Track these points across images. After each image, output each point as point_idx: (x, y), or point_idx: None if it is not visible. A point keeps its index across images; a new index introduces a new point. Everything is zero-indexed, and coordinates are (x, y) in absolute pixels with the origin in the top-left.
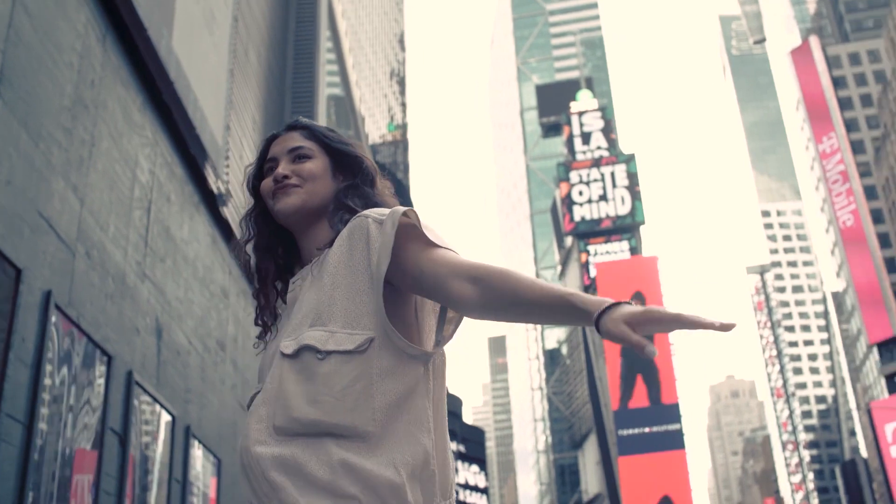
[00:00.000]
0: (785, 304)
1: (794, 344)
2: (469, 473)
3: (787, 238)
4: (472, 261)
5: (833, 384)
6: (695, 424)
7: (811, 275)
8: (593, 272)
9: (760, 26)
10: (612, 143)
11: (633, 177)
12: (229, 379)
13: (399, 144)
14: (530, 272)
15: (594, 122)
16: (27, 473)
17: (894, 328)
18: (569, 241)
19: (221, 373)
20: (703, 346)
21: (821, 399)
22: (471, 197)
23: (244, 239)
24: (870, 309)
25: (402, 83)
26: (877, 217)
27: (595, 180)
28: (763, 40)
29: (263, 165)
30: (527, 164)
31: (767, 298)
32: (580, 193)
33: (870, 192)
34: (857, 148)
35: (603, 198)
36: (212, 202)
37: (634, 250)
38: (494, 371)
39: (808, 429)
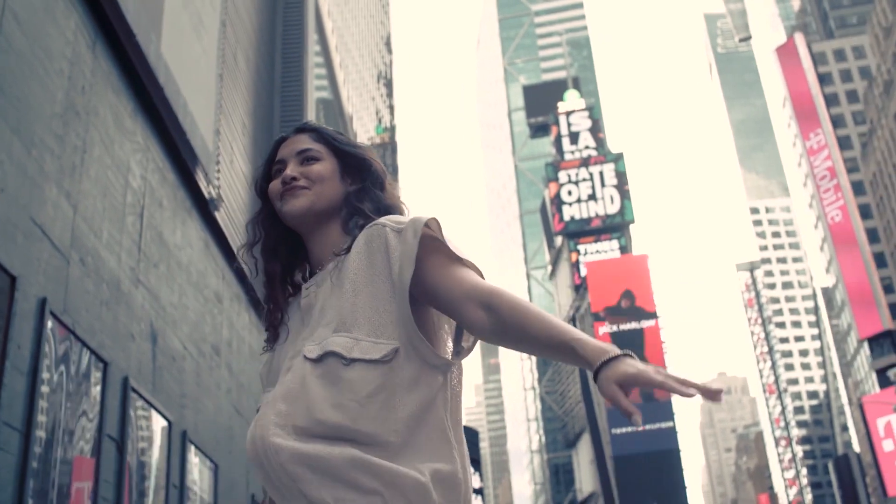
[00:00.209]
0: (775, 300)
1: (784, 340)
2: None
3: (776, 235)
4: (489, 286)
5: (824, 379)
6: (688, 421)
7: (801, 271)
8: (584, 271)
9: (746, 24)
10: (600, 143)
11: (621, 176)
12: (224, 383)
13: (387, 147)
14: (521, 273)
15: (582, 122)
16: (25, 481)
17: (884, 323)
18: (559, 240)
19: (217, 377)
20: (695, 344)
21: (812, 394)
22: (460, 198)
23: (251, 242)
24: (859, 304)
25: (389, 85)
26: (865, 212)
27: (584, 180)
28: (748, 38)
29: (272, 168)
30: (515, 164)
31: (758, 295)
32: (569, 193)
33: (857, 188)
34: (843, 144)
35: (592, 197)
36: (204, 207)
37: (624, 249)
38: (487, 372)
39: (800, 424)
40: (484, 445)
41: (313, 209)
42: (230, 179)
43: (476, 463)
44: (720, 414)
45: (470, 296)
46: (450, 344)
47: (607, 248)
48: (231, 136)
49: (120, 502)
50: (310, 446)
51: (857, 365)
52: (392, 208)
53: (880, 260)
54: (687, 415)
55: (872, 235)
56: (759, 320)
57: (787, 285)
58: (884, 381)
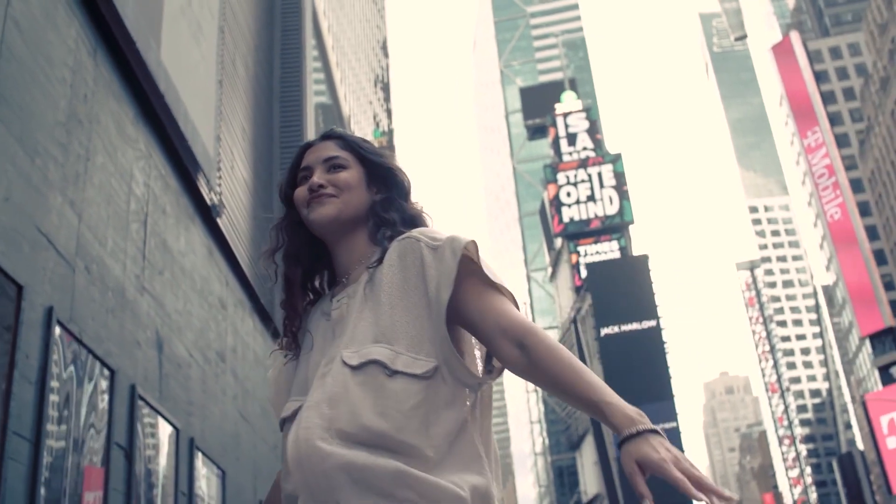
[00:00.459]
0: (776, 299)
1: (786, 339)
2: None
3: (775, 233)
4: (525, 323)
5: (827, 377)
6: (690, 422)
7: (801, 269)
8: (584, 273)
9: (741, 23)
10: (598, 144)
11: (620, 176)
12: (230, 390)
13: (385, 150)
14: (521, 275)
15: (579, 123)
16: (36, 490)
17: (885, 320)
18: (558, 242)
19: (222, 384)
20: (697, 343)
21: (815, 393)
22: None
23: (274, 247)
24: (860, 302)
25: (386, 89)
26: (864, 210)
27: (582, 181)
28: (744, 37)
29: (297, 174)
30: (514, 166)
31: (758, 294)
32: (568, 195)
33: (856, 186)
34: (841, 142)
35: (591, 198)
36: (206, 213)
37: (624, 250)
38: None
39: (803, 423)
40: None
41: (340, 217)
42: (231, 185)
43: None
44: (723, 413)
45: (506, 331)
46: (479, 362)
47: (607, 250)
48: (231, 141)
49: None
50: (355, 453)
51: (860, 362)
52: (417, 219)
53: (880, 257)
54: (690, 415)
55: (872, 233)
56: (761, 319)
57: (787, 284)
58: (886, 379)
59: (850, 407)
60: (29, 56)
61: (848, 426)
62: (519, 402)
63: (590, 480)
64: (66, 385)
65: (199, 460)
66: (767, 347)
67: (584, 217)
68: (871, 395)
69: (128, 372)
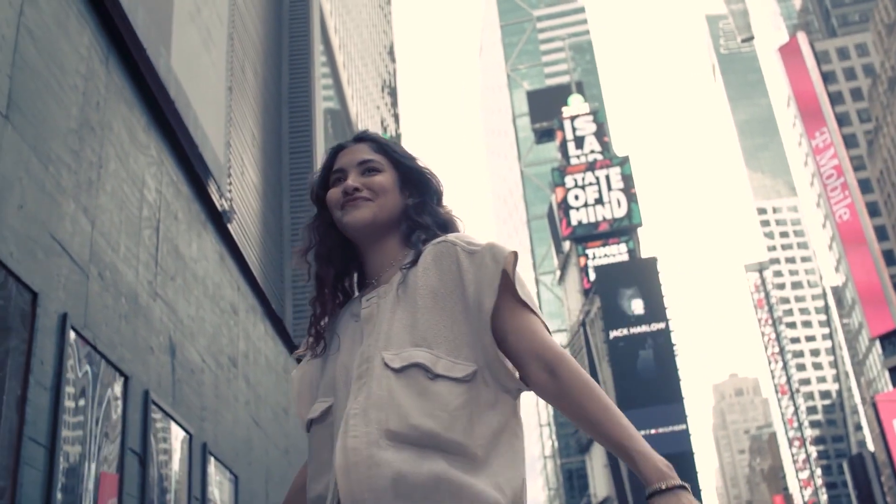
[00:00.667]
0: (785, 300)
1: (796, 340)
2: None
3: (784, 235)
4: (557, 350)
5: (837, 379)
6: (700, 424)
7: (810, 270)
8: (592, 276)
9: (748, 24)
10: (606, 147)
11: (627, 179)
12: (242, 395)
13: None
14: (530, 278)
15: (586, 126)
16: (52, 497)
17: (895, 320)
18: (567, 245)
19: (235, 389)
20: (706, 346)
21: (825, 394)
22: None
23: (306, 248)
24: (870, 302)
25: (393, 94)
26: (873, 210)
27: (590, 184)
28: (751, 38)
29: (329, 175)
30: (521, 170)
31: (767, 296)
32: (576, 198)
33: (864, 186)
34: (849, 142)
35: (599, 201)
36: (218, 219)
37: (632, 252)
38: None
39: (813, 424)
40: None
41: (376, 221)
42: (242, 191)
43: None
44: (733, 416)
45: (538, 355)
46: (513, 369)
47: (616, 252)
48: (241, 147)
49: None
50: (402, 458)
51: (870, 363)
52: (449, 224)
53: (889, 257)
54: (700, 417)
55: (881, 233)
56: (770, 321)
57: (796, 285)
58: None
59: (861, 408)
60: (42, 64)
61: (858, 427)
62: (528, 404)
63: (599, 483)
64: (80, 391)
65: (212, 465)
66: (777, 349)
67: (592, 220)
68: (881, 395)
69: (141, 378)
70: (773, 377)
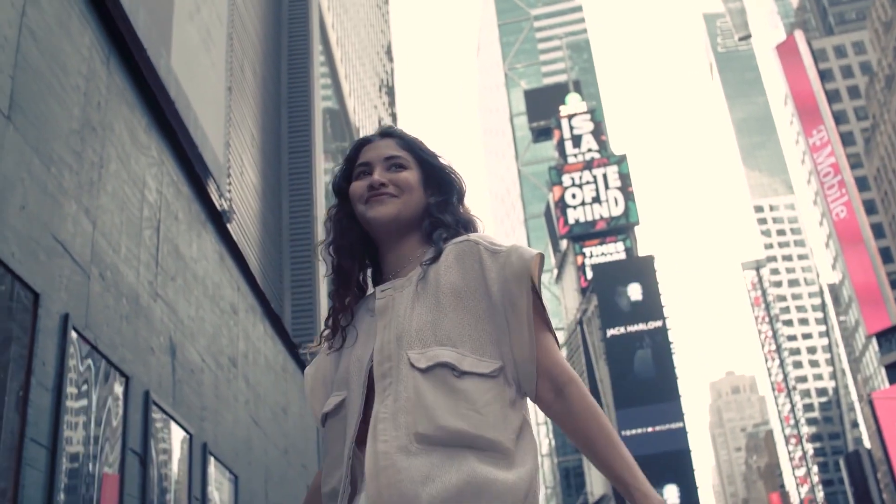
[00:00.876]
0: (782, 298)
1: (792, 338)
2: None
3: (780, 232)
4: (568, 371)
5: (833, 376)
6: (697, 422)
7: (807, 268)
8: (590, 274)
9: (745, 23)
10: (603, 145)
11: (625, 178)
12: (242, 395)
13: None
14: None
15: (584, 125)
16: (53, 498)
17: (892, 318)
18: (564, 244)
19: (234, 389)
20: (703, 343)
21: (822, 392)
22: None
23: (329, 240)
24: (867, 300)
25: (391, 94)
26: (870, 208)
27: (587, 182)
28: (748, 36)
29: (353, 168)
30: (518, 169)
31: (764, 293)
32: (573, 196)
33: (861, 184)
34: (846, 140)
35: (596, 200)
36: (218, 219)
37: (630, 251)
38: None
39: (810, 422)
40: None
41: (399, 218)
42: (241, 191)
43: None
44: (729, 413)
45: (548, 372)
46: None
47: (613, 251)
48: (241, 148)
49: None
50: (429, 460)
51: (866, 361)
52: (471, 223)
53: (886, 255)
54: (696, 415)
55: (878, 231)
56: (767, 318)
57: (793, 283)
58: (893, 377)
59: (857, 405)
60: (44, 65)
61: (855, 425)
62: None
63: (596, 482)
64: (82, 392)
65: (212, 465)
66: (773, 347)
67: (589, 218)
68: (877, 393)
69: (142, 378)
70: (769, 375)
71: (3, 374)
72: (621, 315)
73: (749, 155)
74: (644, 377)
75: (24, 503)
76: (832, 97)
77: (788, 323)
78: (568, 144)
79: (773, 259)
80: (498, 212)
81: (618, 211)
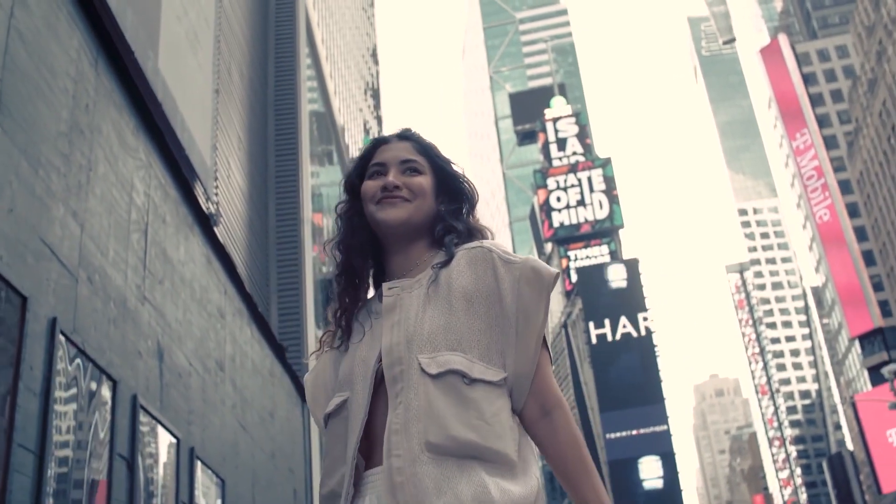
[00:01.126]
0: (765, 301)
1: (776, 340)
2: None
3: (764, 236)
4: (557, 395)
5: (816, 379)
6: (681, 424)
7: (790, 271)
8: (574, 277)
9: (729, 26)
10: (588, 148)
11: (609, 181)
12: (229, 399)
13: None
14: None
15: (569, 128)
16: (41, 503)
17: (874, 320)
18: (549, 247)
19: (222, 393)
20: (687, 346)
21: (805, 394)
22: None
23: (337, 237)
24: (849, 303)
25: (376, 96)
26: (853, 211)
27: (572, 186)
28: (732, 40)
29: (367, 167)
30: (503, 172)
31: (748, 296)
32: (558, 199)
33: (844, 187)
34: (829, 143)
35: (581, 203)
36: (205, 222)
37: (614, 254)
38: None
39: (793, 424)
40: None
41: (410, 222)
42: (228, 194)
43: None
44: (713, 416)
45: (541, 393)
46: None
47: (597, 254)
48: (228, 150)
49: None
50: (440, 471)
51: (849, 363)
52: (481, 231)
53: (869, 258)
54: (680, 418)
55: (861, 234)
56: (750, 321)
57: (776, 286)
58: (876, 379)
59: (840, 408)
60: (32, 66)
61: (837, 427)
62: None
63: None
64: (69, 396)
65: (199, 470)
66: (757, 349)
67: (574, 221)
68: (860, 395)
69: (129, 382)
70: (753, 377)
71: None
72: (606, 317)
73: (733, 158)
74: (628, 380)
75: None
76: (815, 101)
77: (772, 326)
78: (553, 148)
79: (757, 262)
80: (483, 215)
81: (602, 214)
